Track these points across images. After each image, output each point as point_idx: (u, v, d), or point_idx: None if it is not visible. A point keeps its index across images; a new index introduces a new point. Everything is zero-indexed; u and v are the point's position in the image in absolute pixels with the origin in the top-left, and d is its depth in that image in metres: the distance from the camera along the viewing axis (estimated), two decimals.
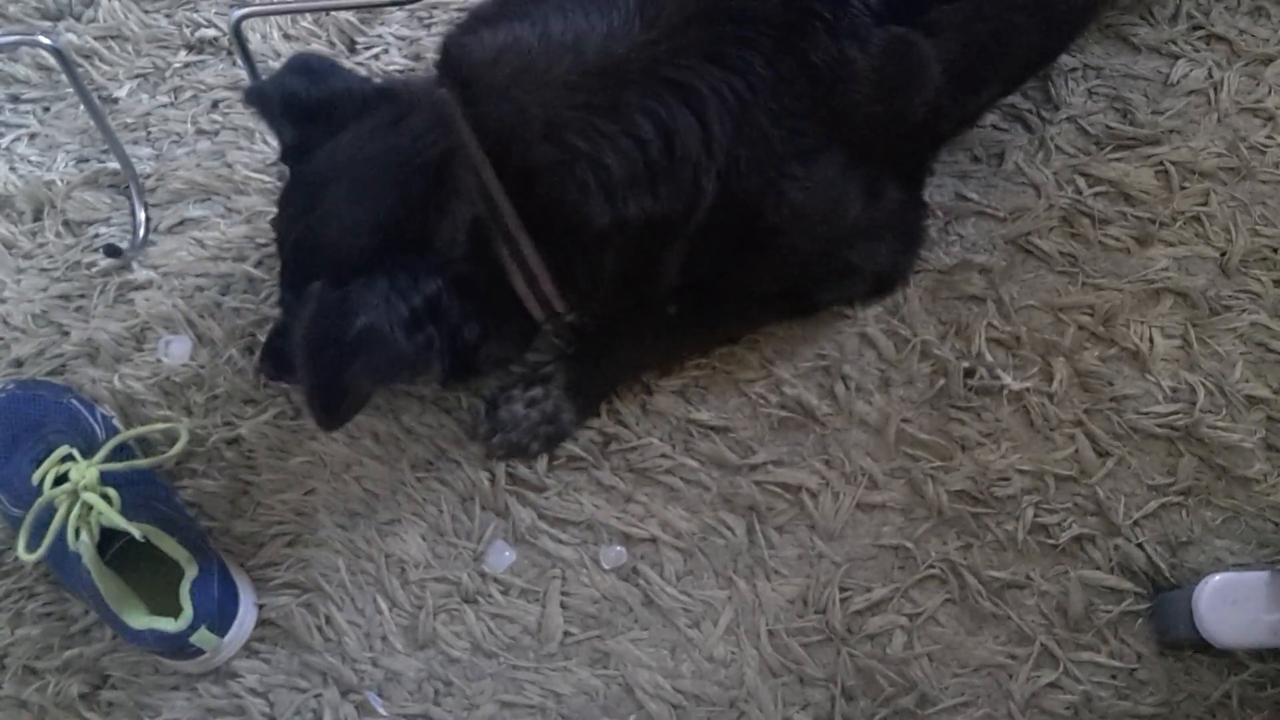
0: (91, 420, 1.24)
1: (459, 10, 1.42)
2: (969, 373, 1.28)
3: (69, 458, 1.19)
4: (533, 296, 1.11)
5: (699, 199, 1.06)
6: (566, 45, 1.02)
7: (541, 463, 1.27)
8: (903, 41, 1.06)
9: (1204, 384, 1.27)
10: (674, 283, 1.16)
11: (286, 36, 1.42)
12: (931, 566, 1.24)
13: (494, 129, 1.03)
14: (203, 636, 1.16)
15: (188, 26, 1.44)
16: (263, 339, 1.29)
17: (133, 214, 1.37)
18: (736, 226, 1.11)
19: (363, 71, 1.39)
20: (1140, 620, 1.22)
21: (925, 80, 1.12)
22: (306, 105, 1.11)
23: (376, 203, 1.04)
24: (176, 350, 1.33)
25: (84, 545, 1.13)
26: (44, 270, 1.36)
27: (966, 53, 1.12)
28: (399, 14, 1.43)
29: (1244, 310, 1.29)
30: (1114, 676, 1.22)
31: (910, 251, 1.29)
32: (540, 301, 1.12)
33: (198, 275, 1.35)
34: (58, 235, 1.37)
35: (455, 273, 1.05)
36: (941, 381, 1.28)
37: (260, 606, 1.25)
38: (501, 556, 1.26)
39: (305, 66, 1.15)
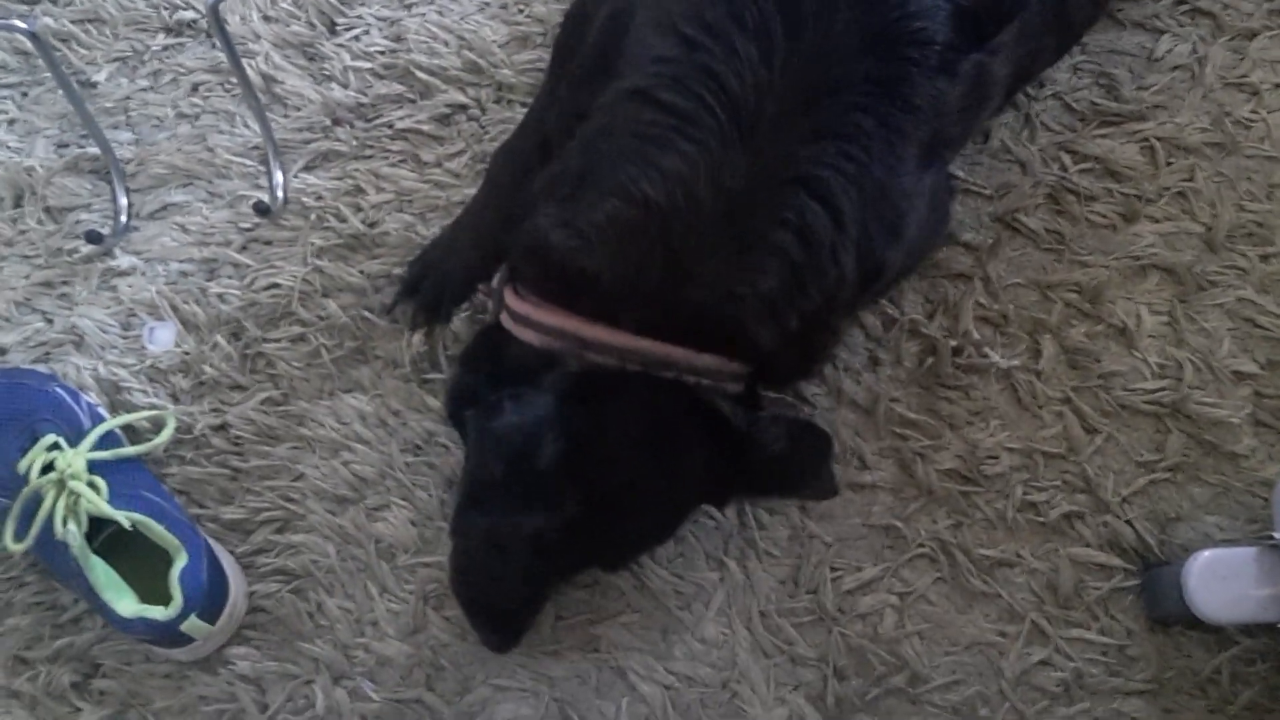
0: (77, 408, 1.24)
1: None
2: (957, 351, 1.28)
3: (55, 446, 1.18)
4: None
5: (842, 278, 1.05)
6: (680, 207, 0.98)
7: None
8: (981, 66, 1.06)
9: (1191, 360, 1.27)
10: None
11: (266, 18, 1.41)
12: (921, 545, 1.25)
13: (678, 328, 1.03)
14: (193, 624, 1.16)
15: (166, 9, 1.42)
16: (249, 326, 1.30)
17: (114, 199, 1.36)
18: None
19: (345, 55, 1.38)
20: (1130, 597, 1.23)
21: (994, 98, 1.15)
22: None
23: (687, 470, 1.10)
24: (161, 337, 1.32)
25: (72, 534, 1.13)
26: (26, 257, 1.35)
27: (1015, 69, 1.15)
28: None
29: (1230, 286, 1.29)
30: (1104, 653, 1.22)
31: (941, 236, 1.29)
32: None
33: (181, 260, 1.34)
34: (39, 222, 1.36)
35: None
36: (930, 360, 1.28)
37: (250, 594, 1.25)
38: None
39: None
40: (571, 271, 1.02)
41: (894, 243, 1.08)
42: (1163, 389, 1.26)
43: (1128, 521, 1.24)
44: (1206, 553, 1.14)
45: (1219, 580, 1.13)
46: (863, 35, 0.97)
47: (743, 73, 0.96)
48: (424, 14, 1.40)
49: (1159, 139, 1.32)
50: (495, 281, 1.13)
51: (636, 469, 1.07)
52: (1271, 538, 1.12)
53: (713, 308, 1.02)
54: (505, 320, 1.10)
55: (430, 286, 1.29)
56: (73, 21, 1.41)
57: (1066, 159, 1.32)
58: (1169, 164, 1.32)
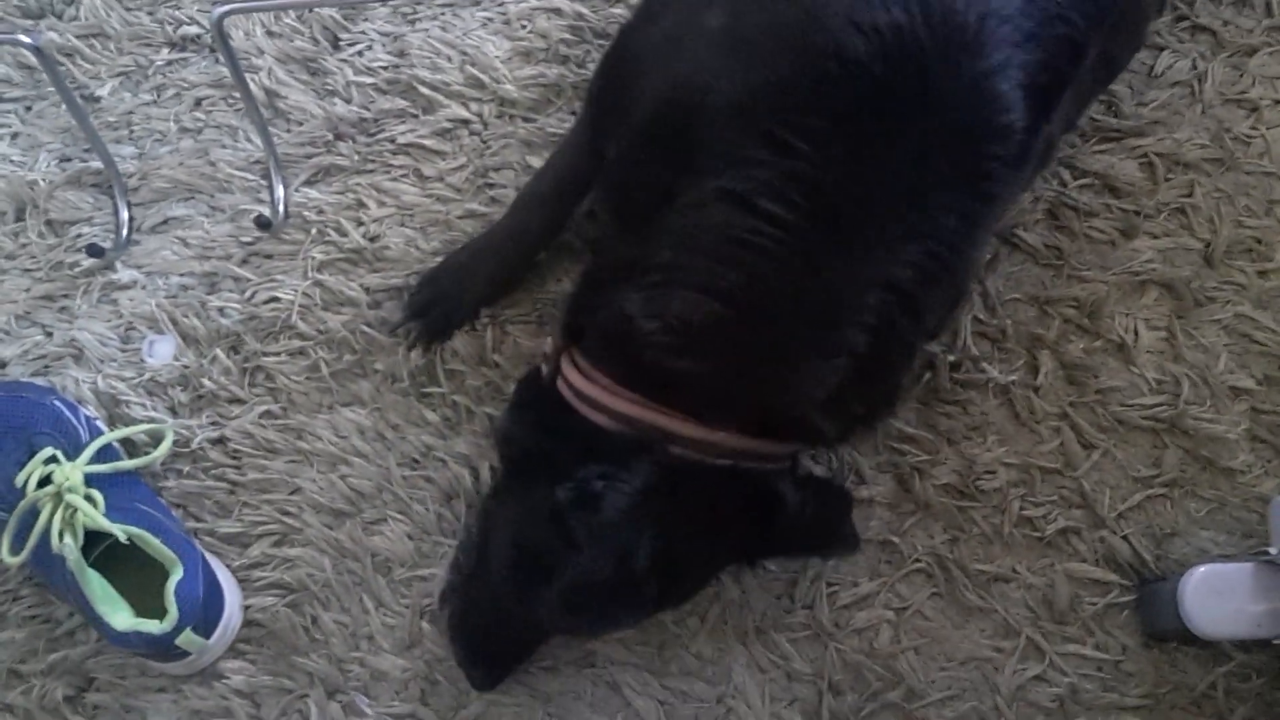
0: (75, 421, 1.24)
1: (443, 5, 1.41)
2: (955, 366, 1.28)
3: (53, 459, 1.18)
4: None
5: (911, 363, 1.08)
6: (773, 314, 0.98)
7: None
8: (1049, 137, 1.05)
9: (1188, 376, 1.27)
10: None
11: (270, 33, 1.42)
12: (918, 560, 1.25)
13: (757, 423, 1.04)
14: (188, 638, 1.16)
15: (170, 24, 1.43)
16: (249, 339, 1.31)
17: (116, 213, 1.36)
18: None
19: (348, 70, 1.39)
20: (1125, 612, 1.23)
21: (1053, 156, 1.19)
22: None
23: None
24: (161, 350, 1.32)
25: (68, 548, 1.13)
26: (27, 270, 1.36)
27: (1065, 126, 1.16)
28: (383, 10, 1.42)
29: (1228, 302, 1.29)
30: (1100, 668, 1.22)
31: None
32: None
33: (182, 274, 1.35)
34: (40, 235, 1.37)
35: None
36: (928, 375, 1.28)
37: (246, 607, 1.25)
38: None
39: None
40: (661, 366, 1.01)
41: (956, 309, 1.11)
42: (1160, 404, 1.26)
43: (1124, 537, 1.24)
44: (1202, 568, 1.14)
45: (1215, 596, 1.13)
46: (953, 136, 0.94)
47: (839, 179, 0.94)
48: (427, 29, 1.41)
49: (1158, 155, 1.32)
50: (548, 347, 1.13)
51: (707, 556, 1.10)
52: (1267, 553, 1.12)
53: (792, 408, 1.03)
54: (566, 393, 1.09)
55: (441, 313, 1.30)
56: (77, 36, 1.42)
57: (1066, 174, 1.32)
58: (1168, 180, 1.32)
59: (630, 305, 1.01)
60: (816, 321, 0.98)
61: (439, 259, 1.32)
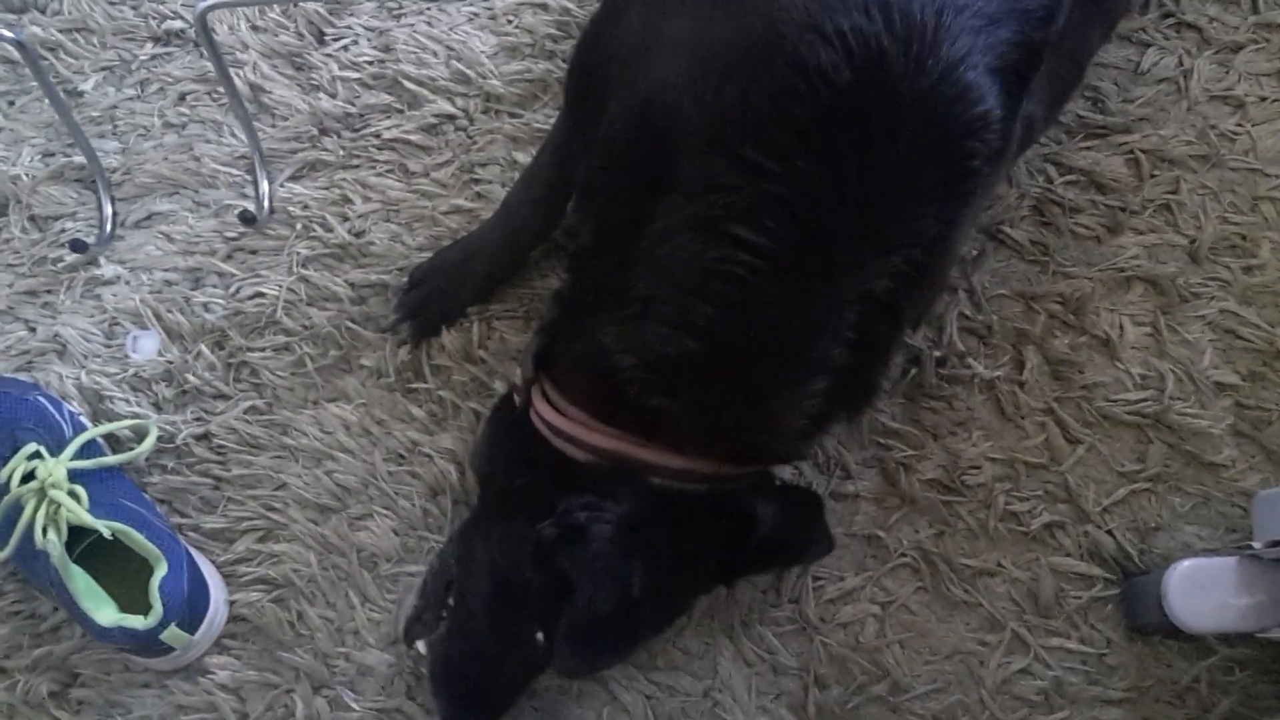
0: (59, 417, 1.23)
1: (427, 2, 1.41)
2: (941, 361, 1.28)
3: (36, 455, 1.18)
4: None
5: (889, 367, 1.06)
6: (754, 348, 0.96)
7: None
8: (1028, 116, 1.03)
9: (1173, 371, 1.27)
10: None
11: (254, 28, 1.41)
12: (903, 555, 1.25)
13: (737, 452, 1.03)
14: (173, 634, 1.15)
15: (154, 19, 1.42)
16: (233, 335, 1.30)
17: (99, 208, 1.36)
18: None
19: (333, 65, 1.38)
20: (1110, 606, 1.23)
21: (1035, 134, 1.16)
22: None
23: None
24: (145, 346, 1.32)
25: (52, 543, 1.13)
26: (10, 266, 1.35)
27: (1047, 105, 1.15)
28: (368, 4, 1.42)
29: (1213, 298, 1.29)
30: (1084, 662, 1.22)
31: None
32: None
33: (166, 270, 1.34)
34: (23, 230, 1.36)
35: None
36: (914, 370, 1.28)
37: (231, 603, 1.25)
38: None
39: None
40: (638, 401, 1.00)
41: (936, 300, 1.10)
42: (1145, 400, 1.26)
43: (1108, 531, 1.24)
44: (1186, 562, 1.14)
45: (1198, 589, 1.13)
46: (928, 137, 0.91)
47: (813, 198, 0.90)
48: (412, 24, 1.40)
49: (1144, 151, 1.32)
50: (519, 377, 1.12)
51: (688, 581, 1.09)
52: (1250, 547, 1.13)
53: (774, 437, 1.03)
54: (540, 426, 1.07)
55: (434, 312, 1.30)
56: (60, 30, 1.42)
57: (1052, 171, 1.33)
58: (1153, 176, 1.32)
59: (606, 338, 1.00)
60: (795, 349, 0.96)
61: (425, 255, 1.32)
